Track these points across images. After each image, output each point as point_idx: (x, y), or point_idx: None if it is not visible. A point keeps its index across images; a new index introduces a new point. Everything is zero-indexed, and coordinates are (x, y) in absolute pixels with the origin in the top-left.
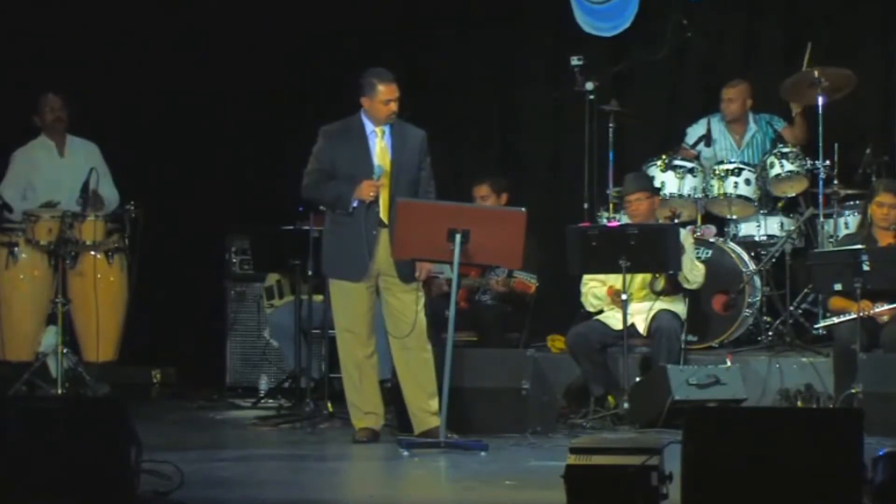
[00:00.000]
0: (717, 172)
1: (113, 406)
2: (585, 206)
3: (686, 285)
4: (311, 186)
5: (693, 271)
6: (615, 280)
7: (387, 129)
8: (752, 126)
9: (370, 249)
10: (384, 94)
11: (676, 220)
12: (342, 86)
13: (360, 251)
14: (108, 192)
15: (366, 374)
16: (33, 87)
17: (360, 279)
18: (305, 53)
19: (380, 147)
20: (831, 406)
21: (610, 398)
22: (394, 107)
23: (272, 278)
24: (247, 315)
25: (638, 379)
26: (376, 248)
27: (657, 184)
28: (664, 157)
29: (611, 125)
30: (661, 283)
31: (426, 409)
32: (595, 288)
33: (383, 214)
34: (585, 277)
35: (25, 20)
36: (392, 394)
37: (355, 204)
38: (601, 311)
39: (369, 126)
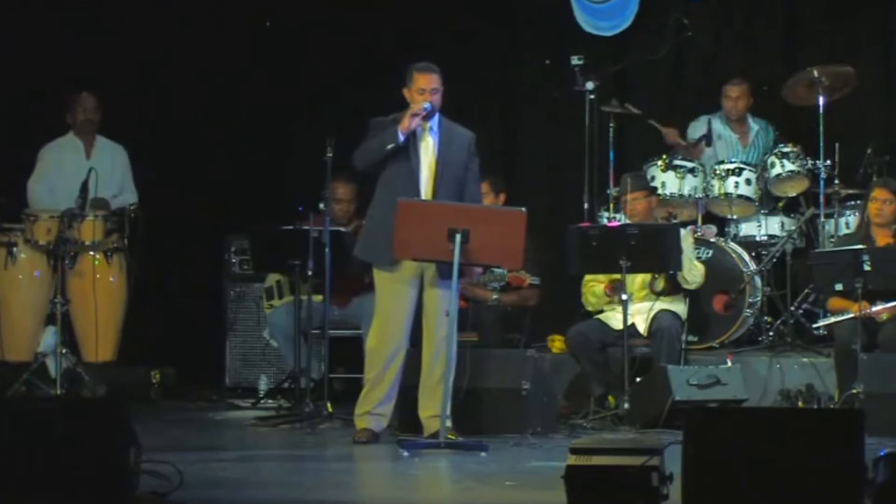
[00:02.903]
0: (717, 172)
1: (112, 406)
2: (585, 206)
3: (685, 285)
4: (358, 151)
5: (692, 271)
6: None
7: (434, 125)
8: (754, 125)
9: None
10: (419, 83)
11: (674, 221)
12: (342, 86)
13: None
14: (126, 196)
15: (388, 377)
16: (35, 86)
17: (391, 267)
18: (305, 54)
19: (425, 142)
20: (832, 406)
21: (610, 398)
22: (430, 97)
23: (272, 279)
24: (246, 315)
25: (638, 379)
26: None
27: (657, 184)
28: (664, 156)
29: (611, 125)
30: (660, 284)
31: (437, 413)
32: (595, 286)
33: None
34: (586, 277)
35: (29, 21)
36: (398, 393)
37: (402, 138)
38: (601, 311)
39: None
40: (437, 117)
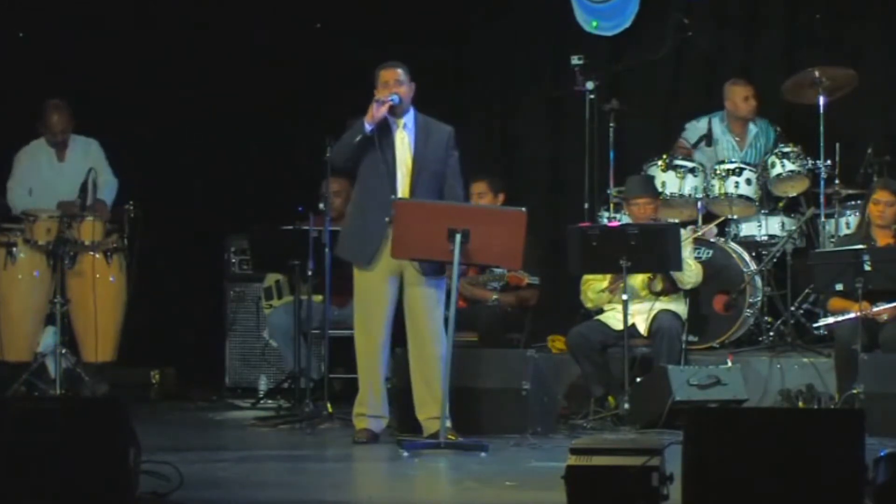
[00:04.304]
0: (717, 172)
1: (112, 407)
2: (585, 206)
3: (680, 285)
4: (333, 149)
5: (686, 271)
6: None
7: (410, 121)
8: (753, 127)
9: (379, 238)
10: (382, 78)
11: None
12: (342, 86)
13: (372, 237)
14: (106, 182)
15: (378, 376)
16: (38, 86)
17: (368, 266)
18: (305, 54)
19: (399, 138)
20: (832, 406)
21: (610, 399)
22: (393, 89)
23: (271, 279)
24: (246, 315)
25: (638, 379)
26: (387, 237)
27: (658, 184)
28: (664, 156)
29: (611, 125)
30: (658, 284)
31: (435, 414)
32: (594, 283)
33: None
34: (585, 276)
35: (32, 20)
36: (392, 394)
37: (369, 128)
38: (600, 311)
39: (390, 117)
40: (412, 113)
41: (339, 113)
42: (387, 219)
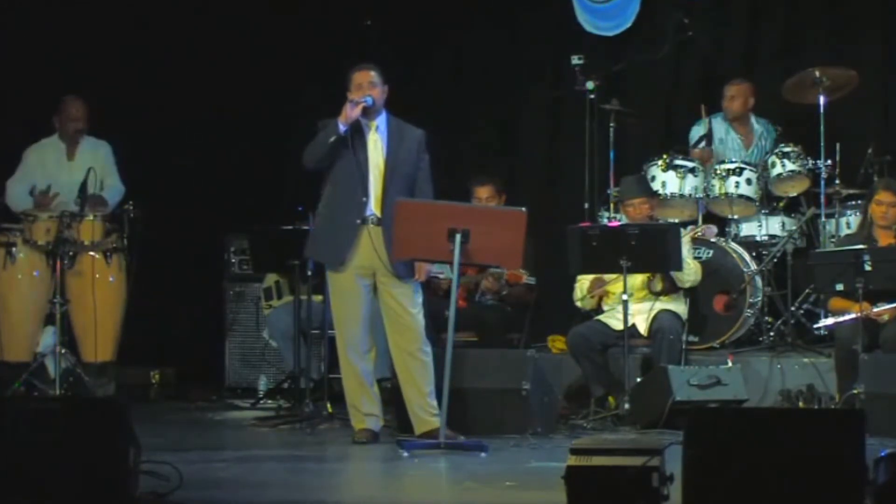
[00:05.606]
0: (718, 172)
1: (111, 407)
2: (585, 206)
3: (679, 284)
4: (306, 149)
5: (686, 270)
6: (611, 278)
7: (382, 124)
8: (757, 127)
9: (350, 239)
10: (355, 80)
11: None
12: (342, 86)
13: (344, 239)
14: (112, 187)
15: (364, 378)
16: (40, 86)
17: (339, 268)
18: (306, 54)
19: (372, 140)
20: (833, 407)
21: (610, 399)
22: (367, 91)
23: (271, 279)
24: (246, 315)
25: (639, 379)
26: (358, 239)
27: (657, 184)
28: (664, 156)
29: (611, 125)
30: (658, 284)
31: (426, 408)
32: (584, 283)
33: (376, 208)
34: (578, 276)
35: (36, 21)
36: (392, 394)
37: (343, 129)
38: (599, 311)
39: (363, 119)
40: (384, 116)
41: (339, 113)
42: (358, 220)
